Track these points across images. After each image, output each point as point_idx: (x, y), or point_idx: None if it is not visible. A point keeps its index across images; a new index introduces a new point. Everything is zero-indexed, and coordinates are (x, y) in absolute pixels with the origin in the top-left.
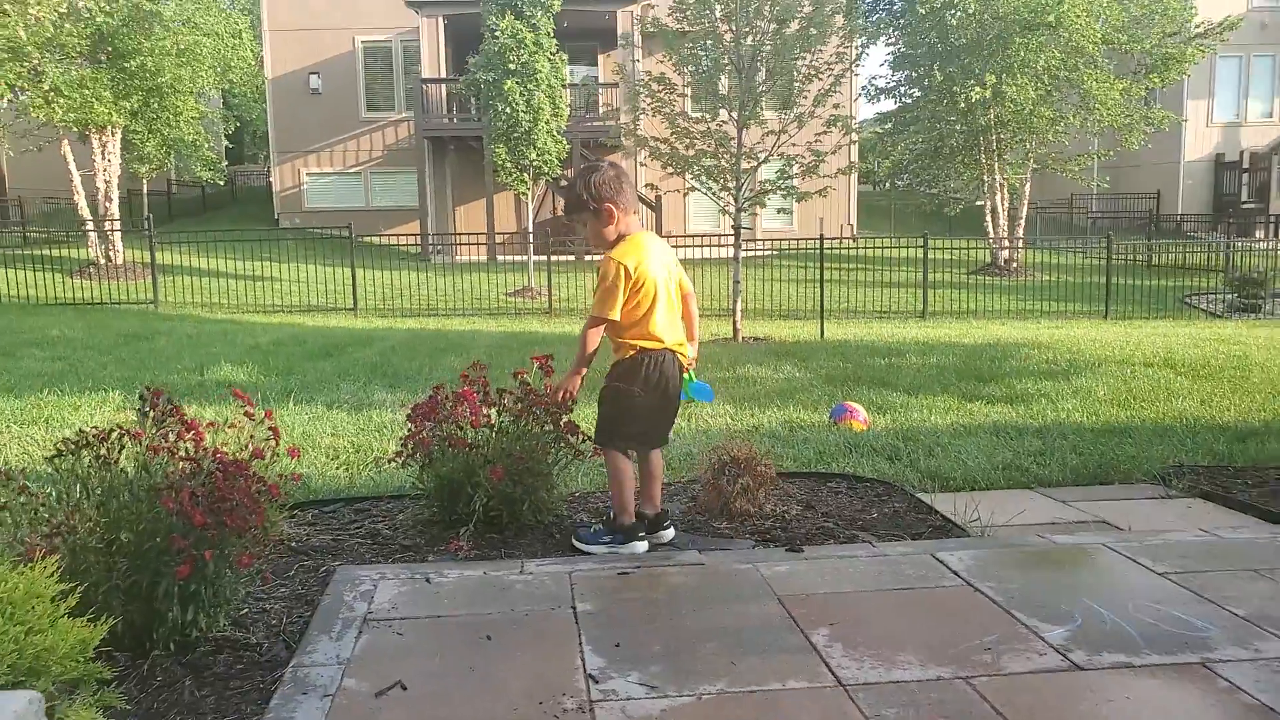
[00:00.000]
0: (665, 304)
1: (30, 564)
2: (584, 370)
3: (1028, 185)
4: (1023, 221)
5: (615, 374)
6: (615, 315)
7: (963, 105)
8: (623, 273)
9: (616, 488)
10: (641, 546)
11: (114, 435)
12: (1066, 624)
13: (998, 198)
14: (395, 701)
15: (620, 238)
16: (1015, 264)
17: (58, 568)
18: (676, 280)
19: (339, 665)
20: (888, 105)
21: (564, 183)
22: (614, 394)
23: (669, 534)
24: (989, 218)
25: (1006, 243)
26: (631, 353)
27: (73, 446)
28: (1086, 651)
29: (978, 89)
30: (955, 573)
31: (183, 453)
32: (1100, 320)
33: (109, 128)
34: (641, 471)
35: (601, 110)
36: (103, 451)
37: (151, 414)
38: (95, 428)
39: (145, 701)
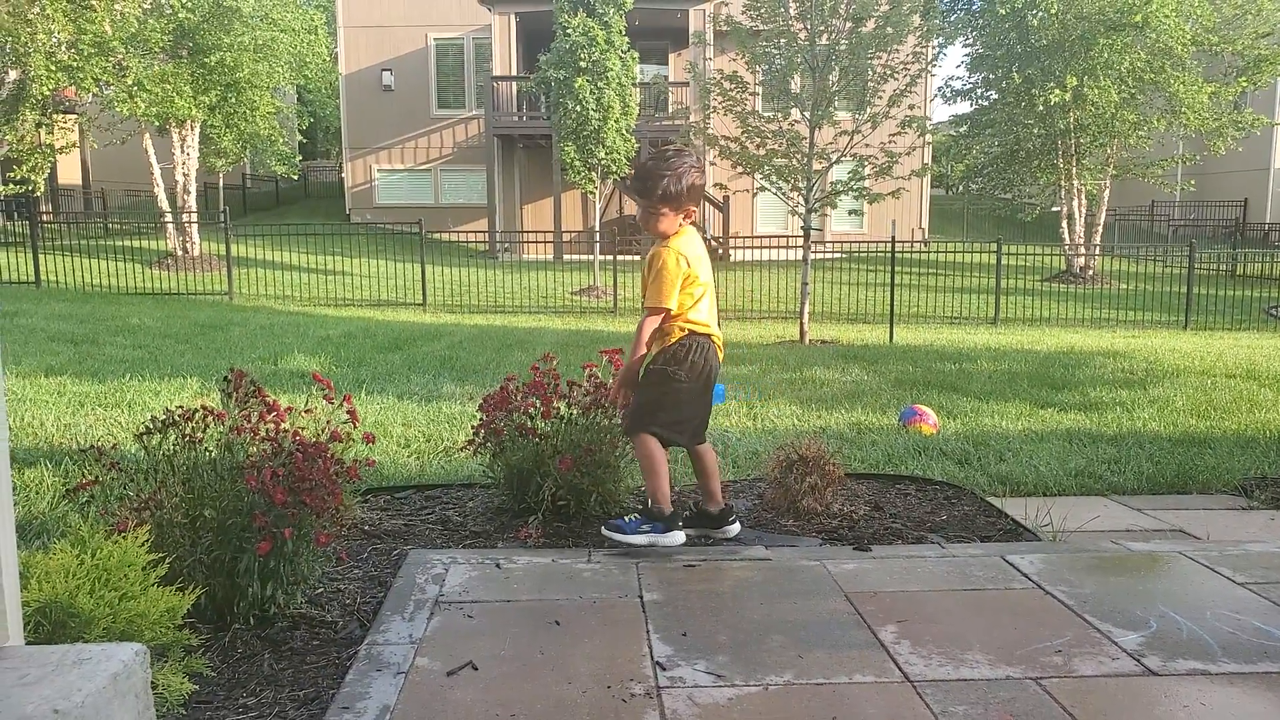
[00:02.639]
0: (710, 301)
1: (123, 535)
2: (640, 367)
3: (1107, 191)
4: (1100, 228)
5: (662, 358)
6: (673, 304)
7: (1041, 108)
8: (683, 263)
9: (651, 475)
10: (681, 537)
11: (198, 415)
12: (1141, 629)
13: (1075, 203)
14: (466, 681)
15: (676, 232)
16: (1091, 271)
17: (147, 539)
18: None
19: (411, 644)
20: (963, 107)
21: (648, 161)
22: (660, 377)
23: (734, 529)
24: (1065, 224)
25: (1083, 249)
26: (680, 335)
27: (160, 425)
28: (1161, 657)
29: (1057, 91)
30: (1026, 575)
31: (264, 434)
32: (1180, 330)
33: (188, 122)
34: (698, 470)
35: (671, 109)
36: (188, 430)
37: (234, 395)
38: (181, 407)
39: (227, 671)
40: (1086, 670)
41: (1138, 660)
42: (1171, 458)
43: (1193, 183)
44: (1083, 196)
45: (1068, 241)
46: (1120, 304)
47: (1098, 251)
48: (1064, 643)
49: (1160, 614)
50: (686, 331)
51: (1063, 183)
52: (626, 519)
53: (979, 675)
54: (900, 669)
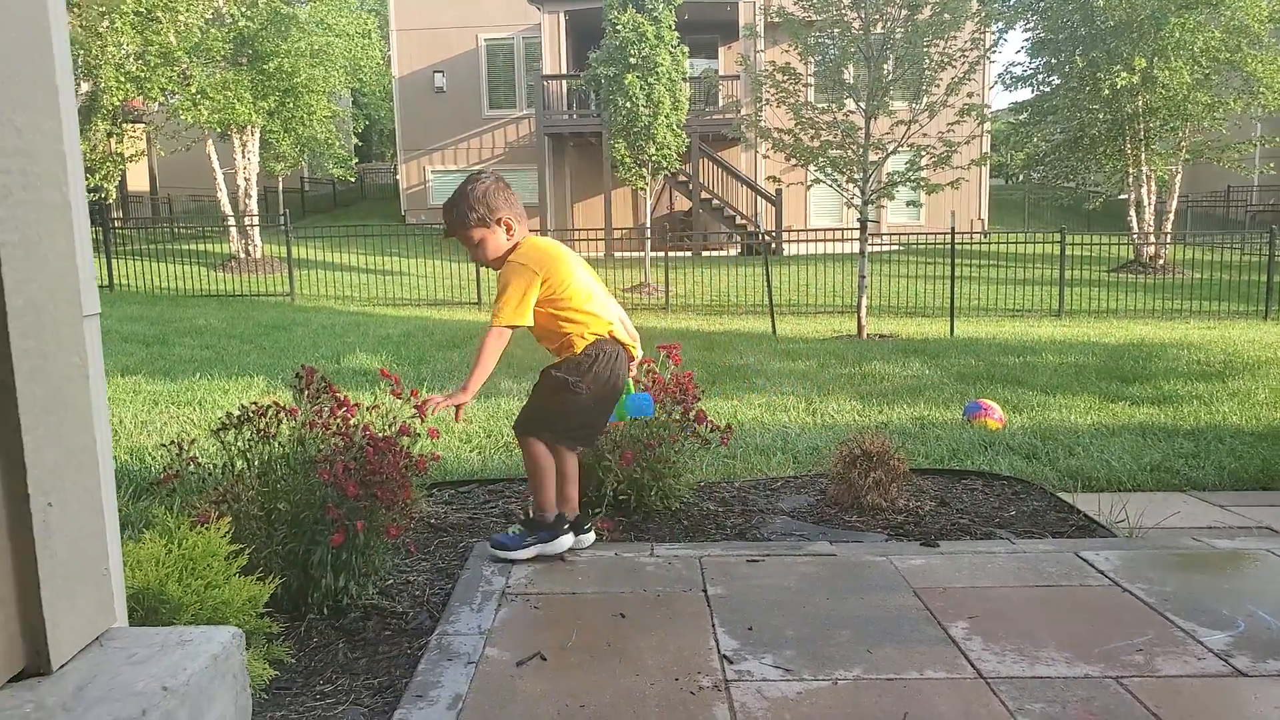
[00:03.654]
0: (610, 304)
1: (205, 526)
2: (476, 389)
3: (1178, 177)
4: (1171, 215)
5: (565, 366)
6: (518, 320)
7: (1107, 92)
8: (525, 274)
9: (537, 481)
10: (568, 540)
11: (271, 411)
12: (1228, 629)
13: (1144, 190)
14: (535, 671)
15: (514, 247)
16: (1162, 261)
17: (228, 531)
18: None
19: (480, 635)
20: (1024, 94)
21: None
22: (558, 385)
23: (590, 538)
24: (1133, 211)
25: (1152, 238)
26: (585, 344)
27: (235, 421)
28: (1250, 658)
29: (1124, 74)
30: (1101, 572)
31: (334, 428)
32: (1259, 321)
33: (248, 127)
34: (561, 472)
35: (721, 103)
36: (262, 426)
37: (306, 392)
38: (254, 404)
39: (304, 659)
40: (1170, 670)
41: (1225, 660)
42: (1255, 452)
43: (1272, 166)
44: (1152, 183)
45: (1136, 230)
46: (1194, 294)
47: (1168, 240)
48: (1145, 641)
49: (1248, 613)
50: (593, 340)
51: (1130, 169)
52: (510, 533)
53: (1055, 673)
54: (973, 665)
